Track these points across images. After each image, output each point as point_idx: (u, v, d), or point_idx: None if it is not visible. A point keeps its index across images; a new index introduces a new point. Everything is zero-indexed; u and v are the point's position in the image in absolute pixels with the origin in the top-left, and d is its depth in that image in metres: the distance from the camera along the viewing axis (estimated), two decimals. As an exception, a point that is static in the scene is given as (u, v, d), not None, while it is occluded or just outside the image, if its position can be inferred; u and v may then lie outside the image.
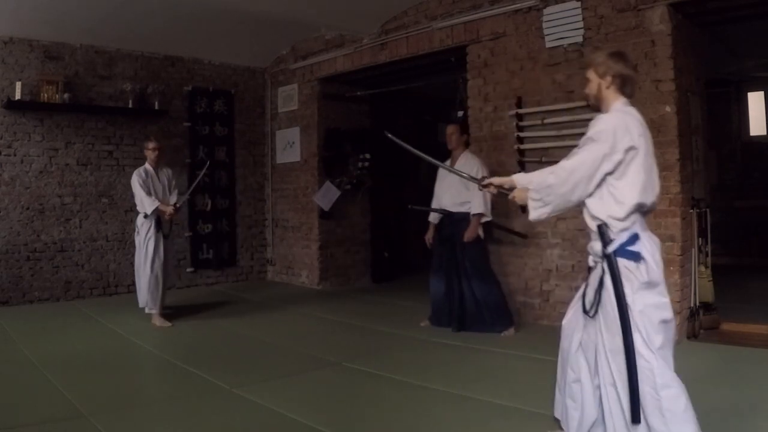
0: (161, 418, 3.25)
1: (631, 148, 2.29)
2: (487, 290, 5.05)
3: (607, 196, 2.33)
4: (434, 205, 5.38)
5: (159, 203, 5.49)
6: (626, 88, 2.43)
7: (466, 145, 5.34)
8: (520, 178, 2.66)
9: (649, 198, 2.34)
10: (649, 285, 2.27)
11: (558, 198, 2.37)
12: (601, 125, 2.33)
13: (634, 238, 2.30)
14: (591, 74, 2.49)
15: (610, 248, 2.30)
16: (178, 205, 5.66)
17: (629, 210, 2.29)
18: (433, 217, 5.40)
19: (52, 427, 3.07)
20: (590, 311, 2.40)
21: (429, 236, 5.40)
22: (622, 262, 2.29)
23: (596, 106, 2.52)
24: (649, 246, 2.31)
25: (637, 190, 2.29)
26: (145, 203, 5.47)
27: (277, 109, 8.36)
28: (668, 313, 2.28)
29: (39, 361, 4.25)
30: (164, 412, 3.36)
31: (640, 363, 2.22)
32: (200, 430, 3.08)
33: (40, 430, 3.03)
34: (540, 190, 2.41)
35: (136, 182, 5.51)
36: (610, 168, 2.29)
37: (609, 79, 2.42)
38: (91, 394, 3.57)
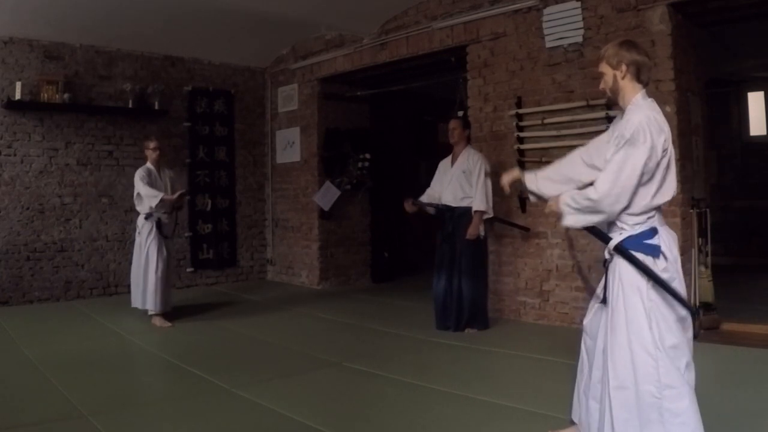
0: (161, 418, 3.25)
1: (665, 149, 2.25)
2: (474, 288, 5.07)
3: None
4: (426, 197, 5.33)
5: (163, 194, 5.45)
6: (642, 75, 2.38)
7: (469, 140, 5.35)
8: (529, 178, 2.64)
9: (667, 197, 2.31)
10: (666, 280, 2.24)
11: (603, 211, 2.28)
12: (635, 126, 2.25)
13: (653, 232, 2.27)
14: (604, 67, 2.43)
15: (620, 237, 2.29)
16: (176, 197, 5.65)
17: (644, 209, 2.27)
18: (424, 197, 5.33)
19: (52, 427, 3.07)
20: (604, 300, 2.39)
21: (409, 206, 5.27)
22: (640, 257, 2.26)
23: (614, 100, 2.48)
24: (667, 240, 2.28)
25: (653, 192, 2.26)
26: (150, 195, 5.41)
27: (277, 109, 8.36)
28: (684, 310, 2.25)
29: (39, 361, 4.25)
30: (164, 412, 3.36)
31: (645, 361, 2.19)
32: (200, 430, 3.08)
33: (40, 430, 3.03)
34: (580, 200, 2.32)
35: (138, 179, 5.47)
36: (651, 172, 2.24)
37: (624, 68, 2.37)
38: (91, 394, 3.57)
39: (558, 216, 2.44)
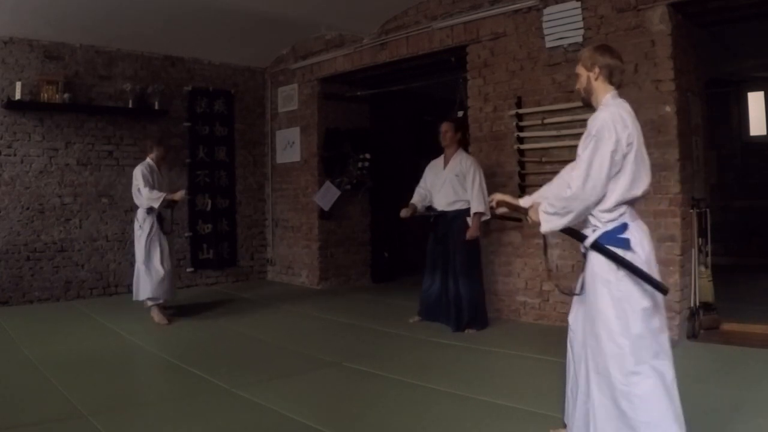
0: (161, 418, 3.25)
1: (630, 143, 2.35)
2: (471, 288, 5.09)
3: None
4: (418, 196, 5.37)
5: (165, 194, 5.52)
6: (614, 77, 2.52)
7: (461, 143, 5.36)
8: (525, 200, 2.73)
9: (638, 191, 2.40)
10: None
11: (579, 207, 2.38)
12: (600, 122, 2.38)
13: (623, 227, 2.38)
14: (579, 69, 2.59)
15: (595, 235, 2.39)
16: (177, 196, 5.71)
17: (616, 203, 2.36)
18: (416, 199, 5.38)
19: (52, 427, 3.07)
20: (579, 291, 2.53)
21: (405, 212, 5.30)
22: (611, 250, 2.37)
23: (587, 100, 2.61)
24: (637, 234, 2.38)
25: (626, 185, 2.36)
26: (152, 198, 5.48)
27: (277, 109, 8.36)
28: (648, 301, 2.32)
29: (39, 361, 4.25)
30: (164, 412, 3.36)
31: (612, 349, 2.30)
32: (200, 430, 3.08)
33: (40, 430, 3.03)
34: (555, 203, 2.44)
35: (141, 177, 5.51)
36: (619, 164, 2.34)
37: (597, 70, 2.51)
38: (91, 394, 3.57)
39: (538, 224, 2.53)
